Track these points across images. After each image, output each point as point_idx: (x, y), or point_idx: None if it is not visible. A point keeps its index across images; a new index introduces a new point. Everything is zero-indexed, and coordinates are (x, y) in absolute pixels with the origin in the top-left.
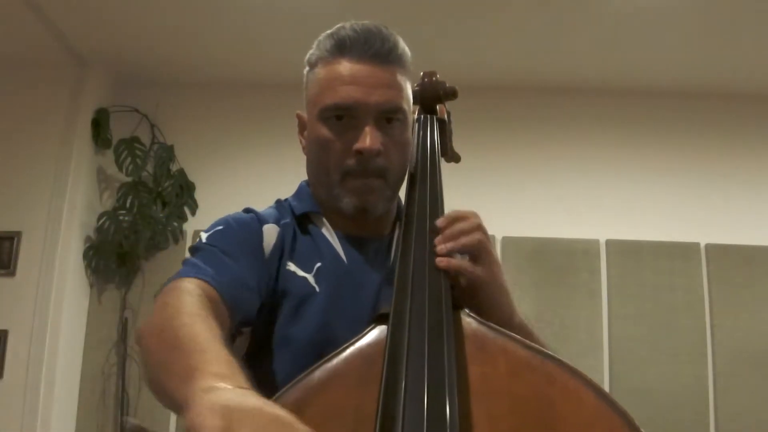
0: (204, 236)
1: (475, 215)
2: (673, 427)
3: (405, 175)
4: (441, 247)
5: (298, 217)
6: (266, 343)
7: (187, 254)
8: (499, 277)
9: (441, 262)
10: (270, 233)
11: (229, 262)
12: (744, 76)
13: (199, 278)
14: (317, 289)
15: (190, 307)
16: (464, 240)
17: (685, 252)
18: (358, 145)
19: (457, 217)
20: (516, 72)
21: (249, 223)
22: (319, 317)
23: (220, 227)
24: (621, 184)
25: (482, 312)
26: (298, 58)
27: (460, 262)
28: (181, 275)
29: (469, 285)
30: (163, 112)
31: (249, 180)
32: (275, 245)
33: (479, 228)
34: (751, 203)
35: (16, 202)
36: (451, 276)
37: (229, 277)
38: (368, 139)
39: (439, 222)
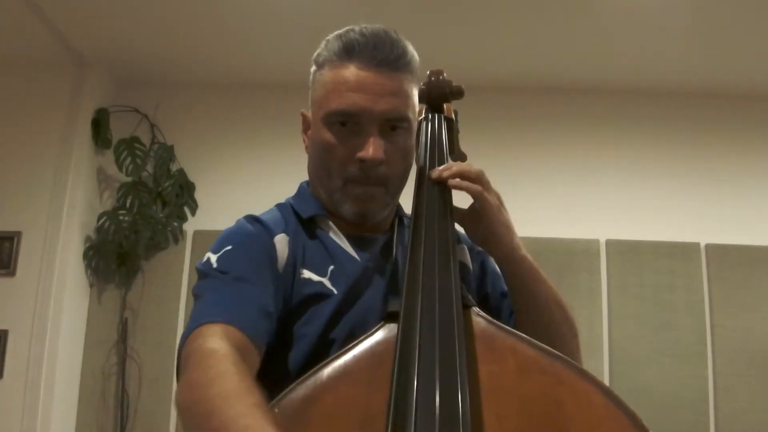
0: (213, 259)
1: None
2: (673, 427)
3: (406, 181)
4: (435, 171)
5: (304, 222)
6: (282, 342)
7: (197, 278)
8: (500, 207)
9: (434, 173)
10: (282, 245)
11: (245, 290)
12: (744, 76)
13: (223, 323)
14: (335, 291)
15: (224, 381)
16: (459, 170)
17: (685, 252)
18: (361, 154)
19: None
20: (516, 72)
21: (258, 236)
22: (338, 315)
23: (229, 247)
24: (621, 184)
25: (488, 240)
26: (298, 59)
27: (455, 172)
28: (202, 320)
29: (474, 209)
30: (163, 112)
31: (249, 180)
32: (288, 256)
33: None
34: (751, 203)
35: (16, 202)
36: (460, 214)
37: (251, 310)
38: (371, 148)
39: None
